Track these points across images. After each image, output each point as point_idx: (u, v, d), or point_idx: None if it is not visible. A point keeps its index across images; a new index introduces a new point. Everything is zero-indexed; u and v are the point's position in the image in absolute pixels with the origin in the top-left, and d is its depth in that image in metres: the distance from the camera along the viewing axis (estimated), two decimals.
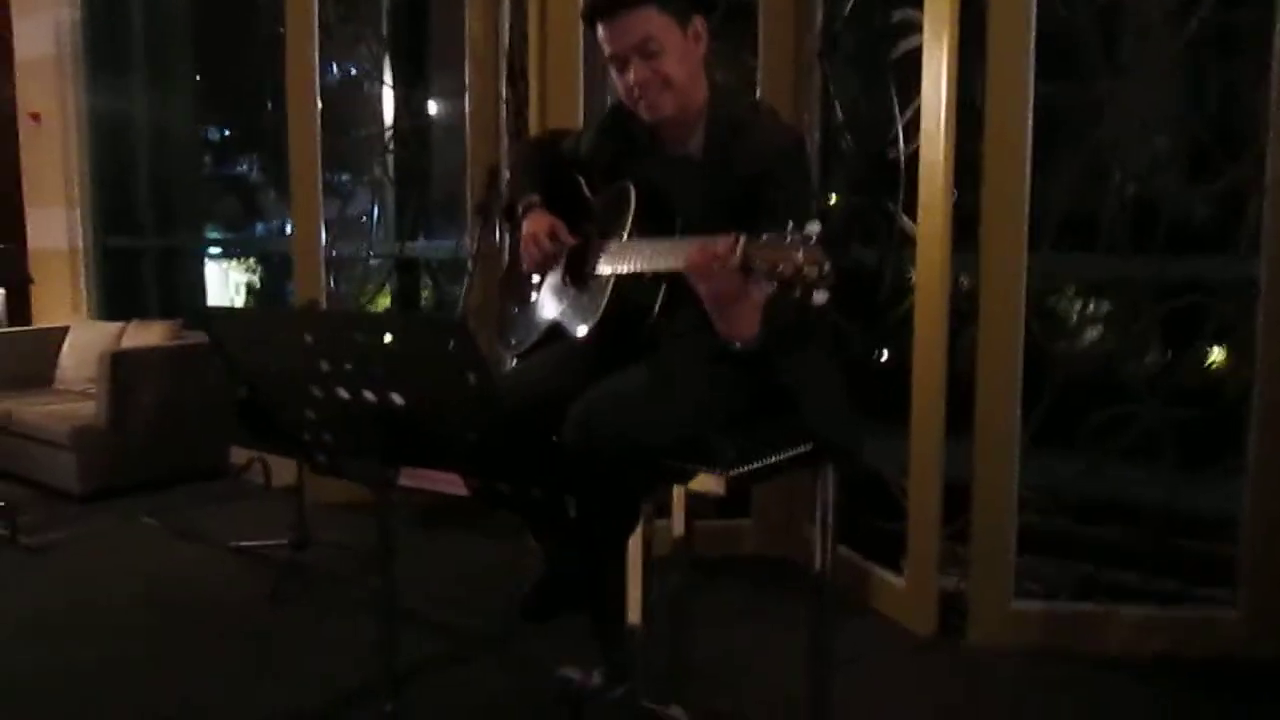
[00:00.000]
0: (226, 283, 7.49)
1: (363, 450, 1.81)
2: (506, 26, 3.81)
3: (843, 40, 3.27)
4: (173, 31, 6.25)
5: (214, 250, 7.16)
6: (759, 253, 1.69)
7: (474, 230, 4.04)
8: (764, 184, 2.02)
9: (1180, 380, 2.93)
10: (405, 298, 4.97)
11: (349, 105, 4.89)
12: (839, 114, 3.28)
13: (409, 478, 1.84)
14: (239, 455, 4.82)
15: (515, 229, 2.42)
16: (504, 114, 3.91)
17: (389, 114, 4.81)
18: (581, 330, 2.14)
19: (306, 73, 4.14)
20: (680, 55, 2.09)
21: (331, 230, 4.48)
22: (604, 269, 2.12)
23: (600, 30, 2.10)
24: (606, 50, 2.11)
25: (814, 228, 1.67)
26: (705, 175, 2.12)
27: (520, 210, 2.36)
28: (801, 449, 2.13)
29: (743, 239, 1.73)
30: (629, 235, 2.11)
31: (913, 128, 3.04)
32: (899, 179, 3.10)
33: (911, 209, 3.00)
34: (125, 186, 6.27)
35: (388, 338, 1.69)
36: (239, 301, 7.39)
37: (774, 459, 2.08)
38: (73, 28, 5.92)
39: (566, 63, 3.45)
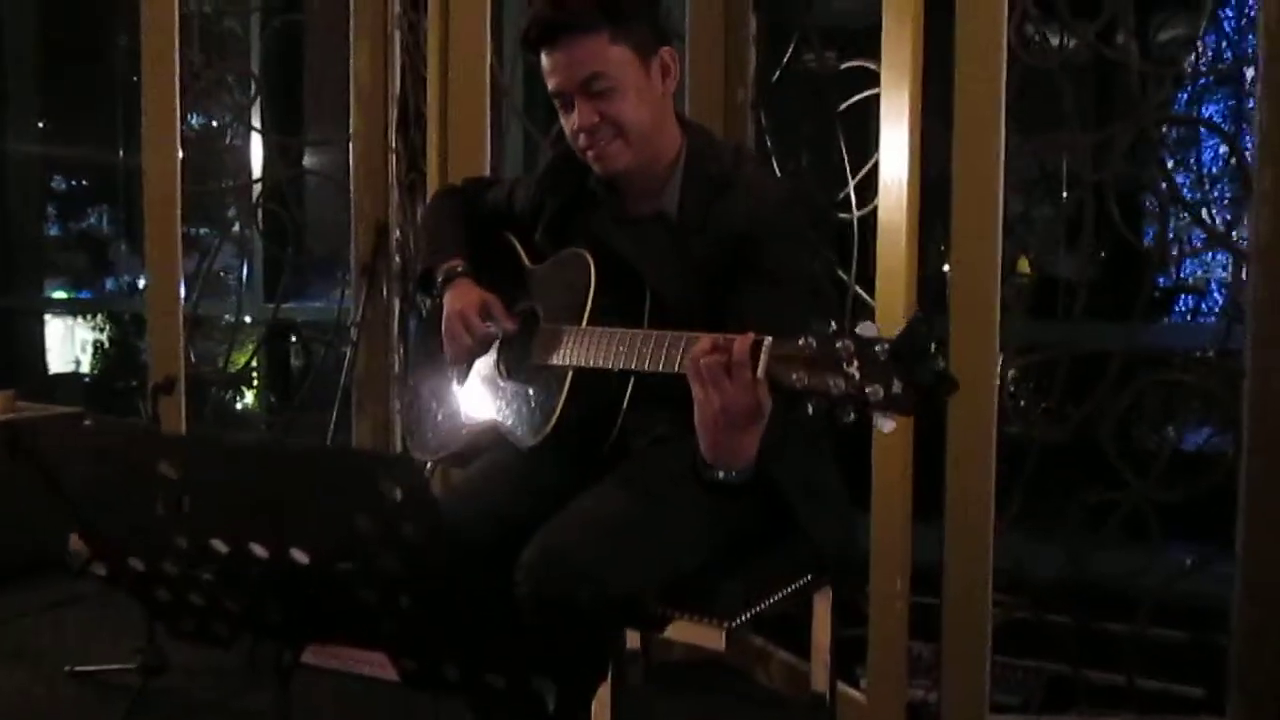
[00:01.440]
0: (72, 342, 6.66)
1: (249, 621, 1.26)
2: (398, 68, 3.28)
3: (780, 91, 2.86)
4: (14, 74, 5.48)
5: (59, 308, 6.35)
6: (794, 364, 1.22)
7: (359, 294, 3.46)
8: (757, 250, 1.56)
9: (1164, 456, 2.55)
10: (277, 364, 4.33)
11: (212, 154, 4.25)
12: (777, 173, 2.85)
13: (317, 655, 1.29)
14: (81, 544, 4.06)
15: (432, 303, 1.90)
16: (394, 165, 3.37)
17: (258, 163, 4.19)
18: (531, 438, 1.62)
19: (166, 118, 3.51)
20: (639, 96, 1.61)
21: (191, 288, 3.84)
22: (556, 360, 1.62)
23: (543, 60, 1.62)
24: (549, 85, 1.63)
25: (868, 329, 1.21)
26: (682, 240, 1.65)
27: (440, 279, 1.83)
28: (807, 578, 1.66)
29: (768, 342, 1.26)
30: (589, 319, 1.61)
31: (866, 188, 2.65)
32: (851, 244, 2.69)
33: (865, 276, 2.60)
34: None
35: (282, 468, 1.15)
36: (85, 362, 6.56)
37: (780, 595, 1.60)
38: None
39: (472, 106, 2.94)
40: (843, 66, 2.68)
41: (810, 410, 1.23)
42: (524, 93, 3.36)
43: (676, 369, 1.39)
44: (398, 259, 3.40)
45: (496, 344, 1.76)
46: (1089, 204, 2.57)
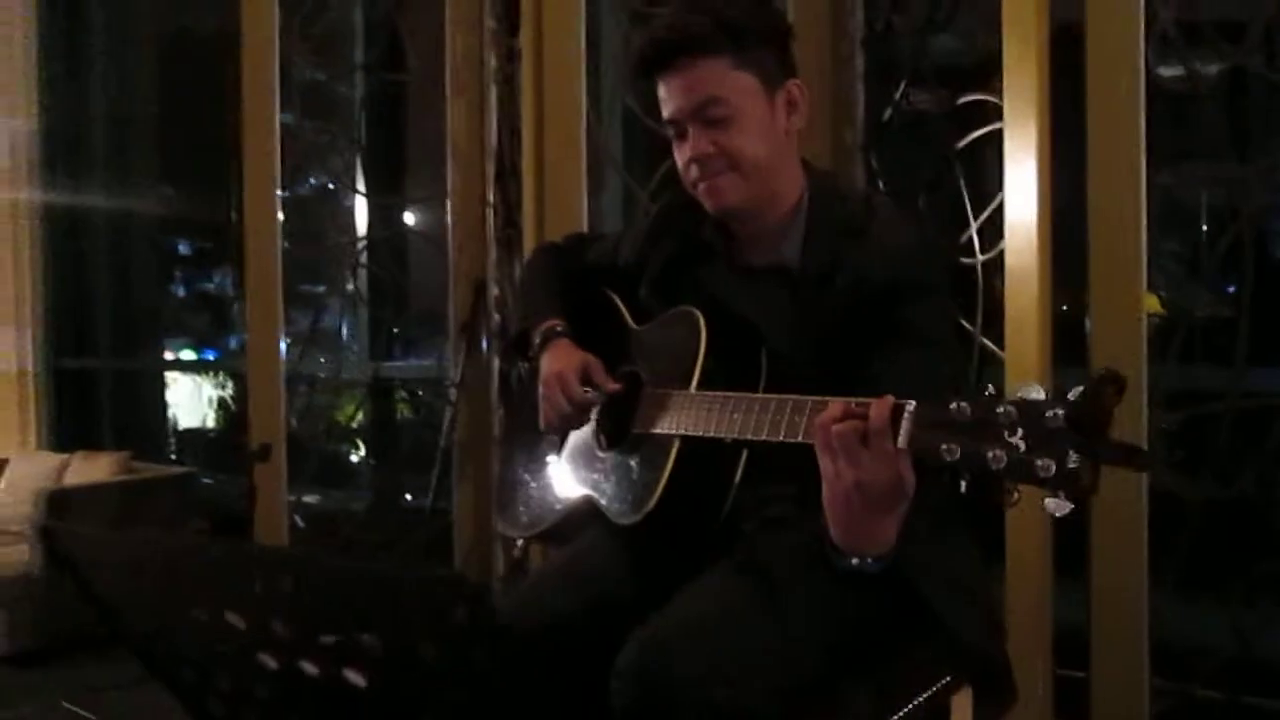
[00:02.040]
0: (199, 399, 6.73)
1: None
2: (494, 123, 3.15)
3: (893, 130, 2.62)
4: (137, 141, 5.57)
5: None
6: (944, 432, 0.99)
7: (458, 353, 3.32)
8: (895, 307, 1.34)
9: None
10: (382, 423, 4.22)
11: (320, 214, 4.20)
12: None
13: None
14: None
15: (529, 366, 1.71)
16: (491, 221, 3.22)
17: (362, 223, 4.12)
18: (630, 515, 1.41)
19: (266, 181, 3.47)
20: (761, 129, 1.41)
21: (298, 347, 3.79)
22: (662, 428, 1.40)
23: (659, 87, 1.44)
24: (665, 113, 1.44)
25: (1034, 390, 0.98)
26: (805, 294, 1.43)
27: (537, 341, 1.64)
28: (945, 680, 1.40)
29: (911, 407, 1.04)
30: (699, 382, 1.40)
31: (989, 230, 2.39)
32: (976, 290, 2.43)
33: (991, 324, 2.35)
34: (82, 305, 5.51)
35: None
36: (210, 419, 6.61)
37: (916, 702, 1.35)
38: (29, 139, 5.20)
39: (568, 158, 2.79)
40: (960, 101, 2.43)
41: (964, 488, 1.00)
42: (623, 146, 3.20)
43: (800, 438, 1.17)
44: (496, 317, 3.25)
45: (596, 411, 1.56)
46: (1245, 237, 2.27)
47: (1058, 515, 0.95)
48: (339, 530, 3.51)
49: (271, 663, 1.00)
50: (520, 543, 1.69)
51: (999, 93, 2.26)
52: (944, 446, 1.01)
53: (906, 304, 1.35)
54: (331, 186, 4.29)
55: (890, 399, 1.07)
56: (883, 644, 1.34)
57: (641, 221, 1.71)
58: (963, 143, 2.48)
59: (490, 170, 3.19)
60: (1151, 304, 2.69)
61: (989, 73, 2.33)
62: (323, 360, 4.09)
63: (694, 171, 1.43)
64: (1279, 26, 2.28)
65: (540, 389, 1.58)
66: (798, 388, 1.27)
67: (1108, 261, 2.17)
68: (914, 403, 1.05)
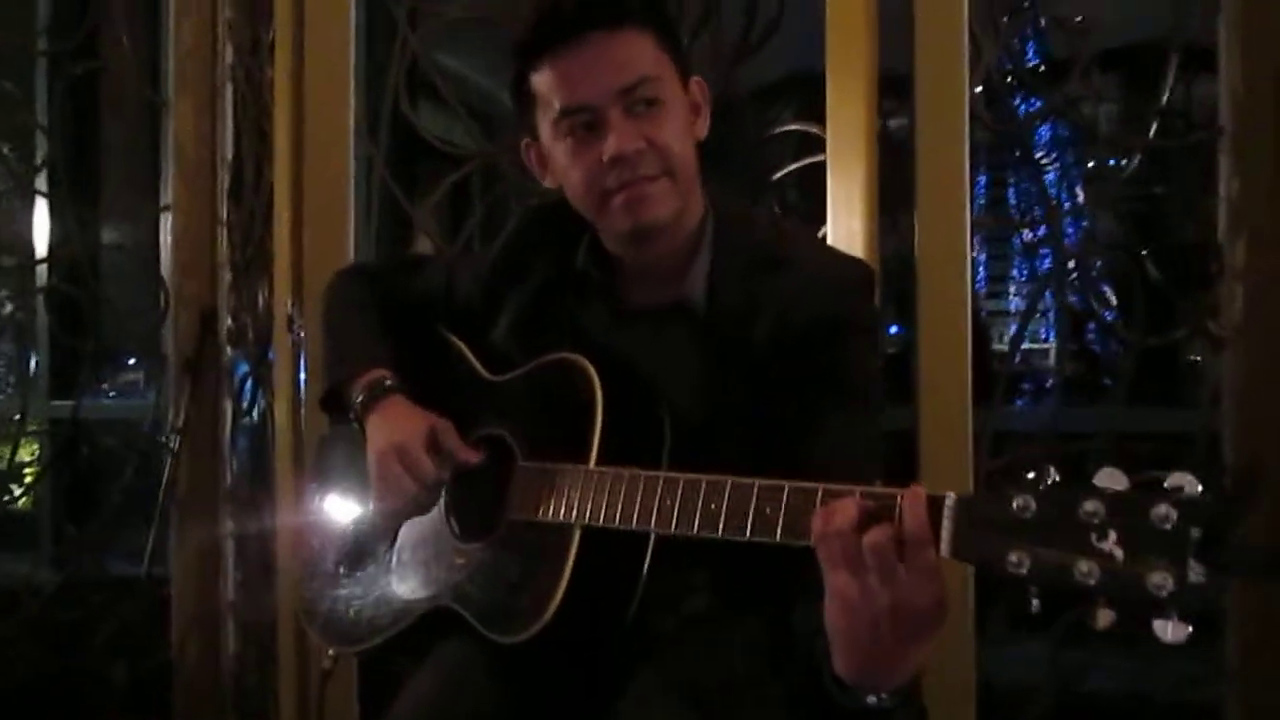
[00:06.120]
0: None
1: None
2: (230, 126, 2.68)
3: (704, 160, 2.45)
4: None
5: None
6: (1007, 535, 0.81)
7: (180, 394, 2.79)
8: (835, 352, 1.14)
9: None
10: (73, 476, 3.51)
11: None
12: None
13: None
14: None
15: (335, 425, 1.35)
16: (224, 240, 2.75)
17: (42, 239, 3.43)
18: (518, 631, 1.11)
19: None
20: (686, 126, 1.18)
21: None
22: (555, 514, 1.12)
23: (550, 69, 1.15)
24: (559, 103, 1.15)
25: (1117, 478, 0.81)
26: (714, 340, 1.19)
27: (359, 399, 1.28)
28: None
29: (951, 500, 0.84)
30: (600, 453, 1.12)
31: None
32: None
33: None
34: None
35: None
36: None
37: None
38: None
39: (333, 168, 2.41)
40: (777, 130, 2.30)
41: (1034, 607, 0.81)
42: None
43: (778, 537, 0.93)
44: (229, 352, 2.77)
45: (445, 490, 1.23)
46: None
47: (1168, 640, 0.77)
48: (21, 606, 2.89)
49: None
50: (331, 652, 1.32)
51: (821, 124, 2.14)
52: (1010, 556, 0.80)
53: (838, 346, 1.14)
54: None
55: (923, 491, 0.86)
56: None
57: (485, 248, 1.40)
58: (779, 174, 2.34)
59: (224, 181, 2.72)
60: None
61: (805, 102, 2.22)
62: None
63: (613, 178, 1.14)
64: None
65: (372, 464, 1.23)
66: (707, 456, 1.04)
67: (937, 301, 2.10)
68: (953, 495, 0.84)
